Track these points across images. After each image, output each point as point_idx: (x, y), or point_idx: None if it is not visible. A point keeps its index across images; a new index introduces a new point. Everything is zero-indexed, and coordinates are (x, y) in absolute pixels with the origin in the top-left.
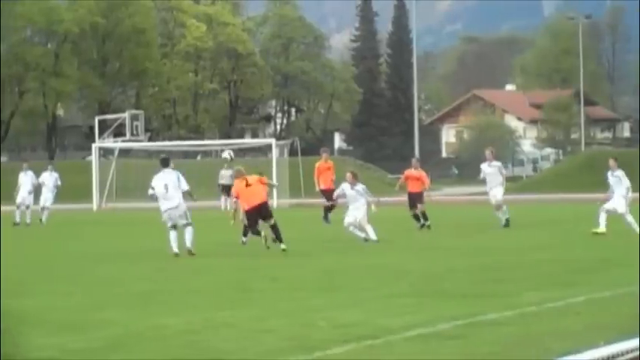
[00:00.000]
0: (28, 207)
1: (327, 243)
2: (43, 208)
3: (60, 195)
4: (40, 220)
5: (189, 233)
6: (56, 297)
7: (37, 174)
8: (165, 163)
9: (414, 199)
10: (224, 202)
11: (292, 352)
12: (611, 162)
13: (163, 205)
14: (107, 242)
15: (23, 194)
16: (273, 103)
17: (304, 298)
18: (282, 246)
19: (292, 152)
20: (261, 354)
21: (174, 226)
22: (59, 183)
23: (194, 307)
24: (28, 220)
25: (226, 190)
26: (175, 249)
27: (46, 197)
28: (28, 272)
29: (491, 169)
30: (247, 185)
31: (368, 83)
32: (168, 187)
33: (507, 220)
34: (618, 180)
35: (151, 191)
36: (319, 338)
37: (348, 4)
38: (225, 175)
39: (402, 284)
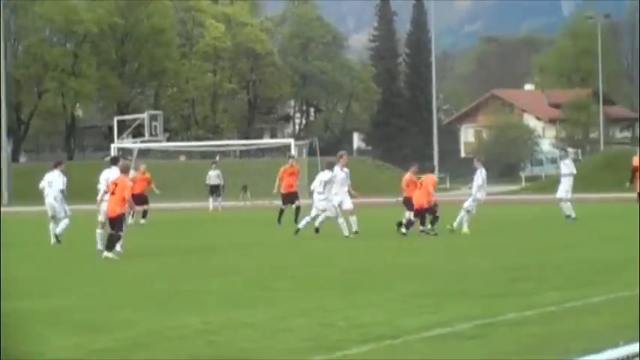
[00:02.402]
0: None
1: (346, 243)
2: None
3: (79, 195)
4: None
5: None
6: (77, 298)
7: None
8: (114, 162)
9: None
10: (212, 203)
11: (312, 352)
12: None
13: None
14: (126, 242)
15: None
16: (292, 102)
17: (324, 297)
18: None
19: (311, 152)
20: (281, 353)
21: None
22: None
23: (214, 306)
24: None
25: (214, 190)
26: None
27: None
28: (47, 273)
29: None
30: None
31: (387, 83)
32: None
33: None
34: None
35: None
36: (338, 338)
37: (367, 3)
38: (212, 176)
39: (421, 284)
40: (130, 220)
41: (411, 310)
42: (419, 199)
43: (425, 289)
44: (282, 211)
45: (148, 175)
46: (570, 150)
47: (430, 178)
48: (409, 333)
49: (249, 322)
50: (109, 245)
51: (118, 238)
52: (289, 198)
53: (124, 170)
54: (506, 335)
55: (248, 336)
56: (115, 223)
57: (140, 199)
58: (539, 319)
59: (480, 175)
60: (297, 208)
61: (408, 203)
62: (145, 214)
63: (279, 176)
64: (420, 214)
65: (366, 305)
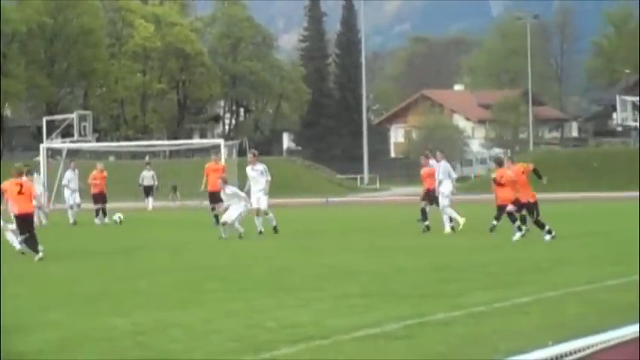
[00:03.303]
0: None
1: (273, 242)
2: None
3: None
4: None
5: None
6: (4, 299)
7: None
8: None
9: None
10: (151, 203)
11: (239, 353)
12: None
13: None
14: (53, 243)
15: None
16: (222, 103)
17: (253, 298)
18: None
19: (241, 152)
20: (209, 354)
21: None
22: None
23: (143, 307)
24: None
25: (147, 190)
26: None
27: None
28: None
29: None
30: None
31: (316, 83)
32: None
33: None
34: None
35: None
36: (267, 339)
37: (297, 4)
38: (146, 177)
39: (350, 285)
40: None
41: (341, 310)
42: (524, 193)
43: (354, 290)
44: (213, 209)
45: (105, 173)
46: (498, 150)
47: (525, 168)
48: (339, 333)
49: (179, 322)
50: (34, 247)
51: (34, 237)
52: (217, 196)
53: (20, 174)
54: (436, 335)
55: (177, 337)
56: (28, 221)
57: (100, 197)
58: (468, 320)
59: (442, 169)
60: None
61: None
62: (104, 212)
63: (205, 173)
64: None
65: (296, 306)
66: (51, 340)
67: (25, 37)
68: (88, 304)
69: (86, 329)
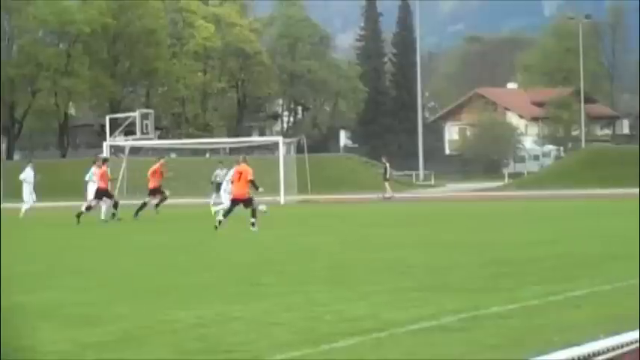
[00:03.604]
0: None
1: (334, 238)
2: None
3: (75, 192)
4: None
5: None
6: (72, 292)
7: (50, 172)
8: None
9: None
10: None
11: (299, 345)
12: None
13: None
14: (119, 238)
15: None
16: (280, 101)
17: (311, 292)
18: None
19: (299, 150)
20: (270, 347)
21: None
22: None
23: (205, 300)
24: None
25: (218, 188)
26: None
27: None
28: (44, 267)
29: None
30: None
31: (373, 82)
32: None
33: None
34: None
35: None
36: (325, 332)
37: (354, 4)
38: (220, 175)
39: (407, 278)
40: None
41: (397, 303)
42: None
43: (411, 284)
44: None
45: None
46: (551, 147)
47: None
48: (395, 326)
49: (240, 316)
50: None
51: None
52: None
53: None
54: (491, 328)
55: (238, 329)
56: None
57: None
58: (522, 313)
59: None
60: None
61: None
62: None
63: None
64: None
65: (353, 299)
66: (116, 332)
67: (89, 37)
68: (154, 297)
69: (151, 322)
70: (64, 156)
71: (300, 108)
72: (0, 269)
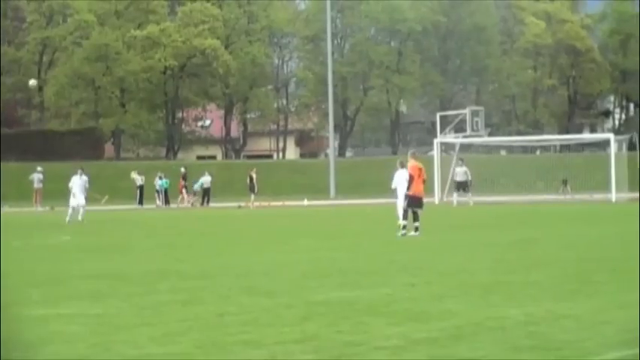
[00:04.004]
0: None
1: None
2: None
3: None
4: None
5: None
6: (401, 288)
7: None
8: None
9: None
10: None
11: (630, 345)
12: None
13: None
14: (448, 234)
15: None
16: (612, 98)
17: None
18: None
19: (630, 147)
20: (600, 345)
21: None
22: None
23: (534, 298)
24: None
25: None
26: None
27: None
28: (376, 264)
29: None
30: None
31: None
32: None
33: None
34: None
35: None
36: None
37: None
38: (459, 172)
39: None
40: None
41: None
42: None
43: None
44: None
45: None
46: None
47: None
48: None
49: (570, 313)
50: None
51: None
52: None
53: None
54: None
55: (568, 327)
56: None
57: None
58: None
59: None
60: None
61: None
62: None
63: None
64: None
65: None
66: (446, 329)
67: (419, 35)
68: (483, 294)
69: (480, 318)
70: (395, 153)
71: (631, 105)
72: (0, 270)
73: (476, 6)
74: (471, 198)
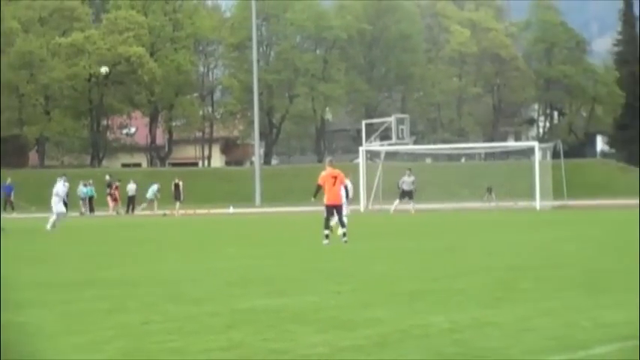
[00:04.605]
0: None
1: (589, 244)
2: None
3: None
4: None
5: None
6: (327, 296)
7: (309, 179)
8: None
9: None
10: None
11: (554, 352)
12: None
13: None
14: (375, 242)
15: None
16: (536, 106)
17: (568, 297)
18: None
19: (555, 155)
20: (524, 353)
21: None
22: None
23: (459, 305)
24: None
25: (405, 194)
26: None
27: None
28: (302, 272)
29: None
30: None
31: (630, 87)
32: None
33: None
34: None
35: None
36: (582, 338)
37: (611, 8)
38: (406, 181)
39: None
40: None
41: None
42: None
43: None
44: None
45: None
46: None
47: None
48: None
49: (494, 321)
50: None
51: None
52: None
53: None
54: None
55: (493, 335)
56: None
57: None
58: None
59: None
60: None
61: None
62: None
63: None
64: None
65: (611, 306)
66: (372, 336)
67: (345, 43)
68: (408, 301)
69: (406, 326)
70: (320, 161)
71: (556, 113)
72: (0, 272)
73: (401, 14)
74: (413, 206)
